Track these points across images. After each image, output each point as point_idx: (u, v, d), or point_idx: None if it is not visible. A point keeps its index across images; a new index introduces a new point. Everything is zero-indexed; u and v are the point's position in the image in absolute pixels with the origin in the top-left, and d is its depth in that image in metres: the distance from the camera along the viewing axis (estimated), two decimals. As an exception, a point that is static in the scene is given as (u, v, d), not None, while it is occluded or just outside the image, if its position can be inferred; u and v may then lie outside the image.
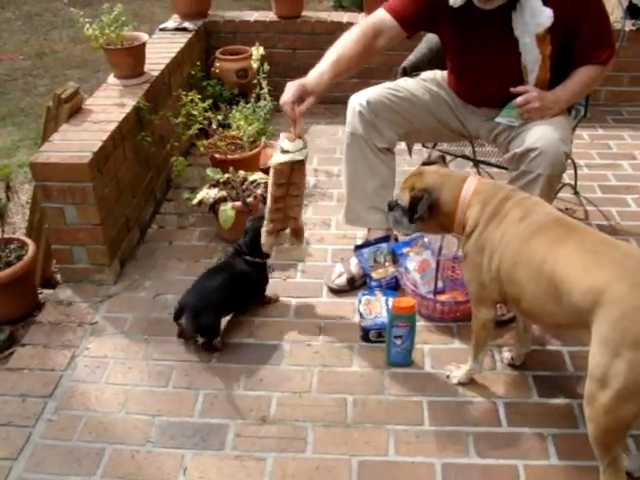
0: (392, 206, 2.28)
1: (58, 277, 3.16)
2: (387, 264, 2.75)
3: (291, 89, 2.40)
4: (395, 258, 2.74)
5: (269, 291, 2.72)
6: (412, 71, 2.80)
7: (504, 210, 2.02)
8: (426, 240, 2.70)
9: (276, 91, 3.49)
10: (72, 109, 2.94)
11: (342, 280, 2.77)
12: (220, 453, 2.11)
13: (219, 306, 2.48)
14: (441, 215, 2.15)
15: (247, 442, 2.14)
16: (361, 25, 2.57)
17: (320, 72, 2.47)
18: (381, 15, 2.55)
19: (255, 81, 3.52)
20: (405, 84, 2.68)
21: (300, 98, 2.40)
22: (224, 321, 2.54)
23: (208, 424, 2.21)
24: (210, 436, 2.16)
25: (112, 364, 2.45)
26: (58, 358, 2.49)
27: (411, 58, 2.90)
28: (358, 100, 2.65)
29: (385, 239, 2.78)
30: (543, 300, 1.90)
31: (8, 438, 2.18)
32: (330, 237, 3.11)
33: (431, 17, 2.52)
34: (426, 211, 2.11)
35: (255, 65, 3.46)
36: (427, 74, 2.75)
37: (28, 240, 2.88)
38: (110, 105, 3.05)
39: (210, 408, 2.27)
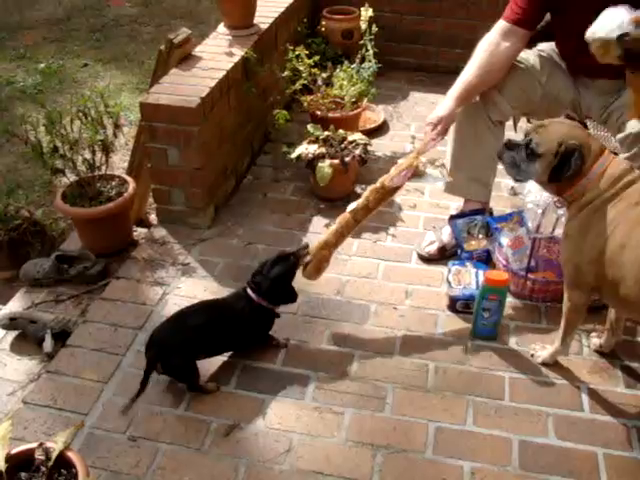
0: (511, 146, 2.16)
1: (151, 217, 3.26)
2: (480, 237, 2.71)
3: (429, 127, 2.52)
4: (489, 232, 2.70)
5: (280, 335, 2.38)
6: (529, 42, 2.71)
7: (624, 193, 1.95)
8: (524, 216, 2.64)
9: (381, 54, 3.48)
10: (182, 54, 2.99)
11: (433, 248, 2.75)
12: (300, 402, 2.15)
13: (194, 348, 2.16)
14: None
15: (327, 395, 2.17)
16: (489, 46, 2.52)
17: (450, 103, 2.52)
18: (506, 30, 2.50)
19: (361, 42, 3.49)
20: (523, 56, 2.60)
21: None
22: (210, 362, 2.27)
23: (290, 373, 2.25)
24: (291, 385, 2.20)
25: (201, 305, 2.52)
26: (150, 293, 2.58)
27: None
28: None
29: (480, 212, 2.74)
30: None
31: (100, 363, 2.29)
32: (423, 204, 3.09)
33: (549, 2, 2.45)
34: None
35: (363, 26, 3.43)
36: (544, 46, 2.66)
37: (129, 178, 2.97)
38: (219, 54, 3.09)
39: (293, 358, 2.31)
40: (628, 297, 1.94)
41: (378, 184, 2.36)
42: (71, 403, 2.15)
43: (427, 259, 2.75)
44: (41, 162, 2.80)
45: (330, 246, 2.35)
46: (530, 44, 2.67)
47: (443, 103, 2.53)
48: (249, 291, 2.25)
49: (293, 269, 2.27)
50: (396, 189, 2.38)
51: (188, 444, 2.02)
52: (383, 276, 2.67)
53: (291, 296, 2.30)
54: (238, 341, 2.29)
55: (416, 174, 2.37)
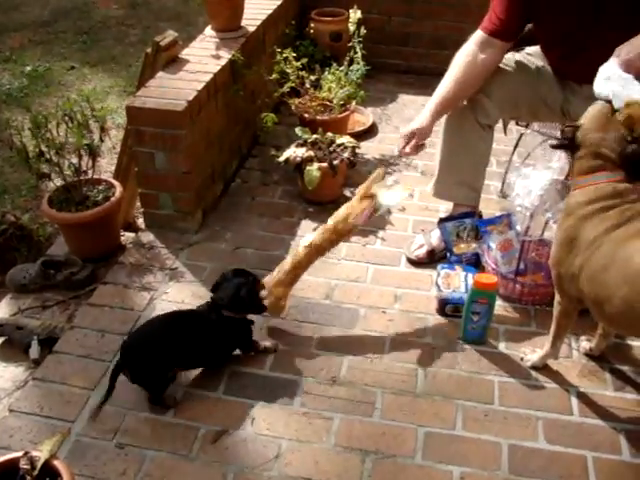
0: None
1: (139, 222, 3.24)
2: (469, 240, 2.70)
3: (402, 140, 2.53)
4: (478, 235, 2.69)
5: (267, 340, 2.37)
6: (516, 46, 2.71)
7: (604, 215, 1.92)
8: (513, 219, 2.64)
9: (369, 56, 3.47)
10: (169, 57, 2.97)
11: (422, 252, 2.74)
12: (288, 408, 2.14)
13: (165, 359, 2.09)
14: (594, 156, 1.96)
15: (315, 400, 2.16)
16: (466, 57, 2.49)
17: (426, 117, 2.51)
18: (484, 41, 2.47)
19: (350, 44, 3.48)
20: (511, 58, 2.60)
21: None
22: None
23: (278, 379, 2.24)
24: (279, 391, 2.19)
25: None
26: (137, 299, 2.56)
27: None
28: None
29: (470, 215, 2.74)
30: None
31: (87, 369, 2.26)
32: (412, 208, 3.08)
33: (528, 13, 2.43)
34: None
35: (352, 28, 3.42)
36: (532, 49, 2.66)
37: (116, 182, 2.95)
38: (206, 56, 3.07)
39: (281, 363, 2.29)
40: (614, 316, 1.92)
41: (331, 224, 2.34)
42: (57, 410, 2.13)
43: (416, 262, 2.74)
44: (27, 167, 2.78)
45: (285, 285, 2.34)
46: (518, 47, 2.67)
47: (419, 116, 2.53)
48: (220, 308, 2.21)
49: (253, 283, 2.23)
50: (352, 230, 2.36)
51: (176, 451, 2.00)
52: (372, 280, 2.66)
53: (257, 307, 2.26)
54: (217, 353, 2.25)
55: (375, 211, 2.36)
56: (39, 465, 1.67)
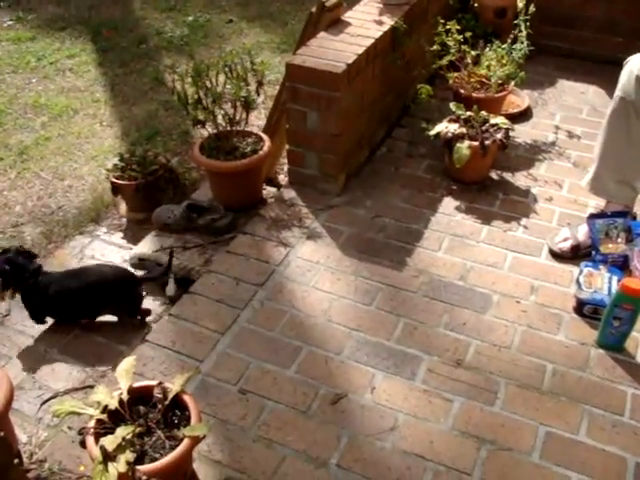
0: None
1: (280, 177, 3.29)
2: (619, 240, 2.55)
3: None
4: (630, 236, 2.54)
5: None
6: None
7: None
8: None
9: (532, 36, 3.31)
10: (333, 18, 2.97)
11: (566, 245, 2.62)
12: (410, 383, 2.12)
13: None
14: None
15: (438, 380, 2.13)
16: None
17: None
18: None
19: (515, 21, 3.34)
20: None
21: None
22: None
23: (403, 352, 2.22)
24: (403, 364, 2.18)
25: (322, 271, 2.53)
26: (273, 252, 2.61)
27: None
28: (638, 65, 2.42)
29: (623, 214, 2.58)
30: None
31: (219, 314, 2.34)
32: (560, 199, 2.94)
33: None
34: None
35: (520, 5, 3.27)
36: None
37: (265, 136, 3.00)
38: (368, 21, 3.04)
39: (408, 337, 2.28)
40: None
41: None
42: (188, 348, 2.22)
43: (558, 256, 2.62)
44: (185, 111, 2.88)
45: None
46: None
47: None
48: None
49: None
50: None
51: (295, 405, 2.04)
52: (510, 267, 2.58)
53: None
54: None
55: None
56: (170, 396, 1.76)
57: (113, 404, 1.75)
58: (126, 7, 5.65)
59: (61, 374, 2.30)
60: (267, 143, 2.94)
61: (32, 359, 2.37)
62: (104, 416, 1.72)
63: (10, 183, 3.50)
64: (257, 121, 3.68)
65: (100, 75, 4.57)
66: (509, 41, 3.30)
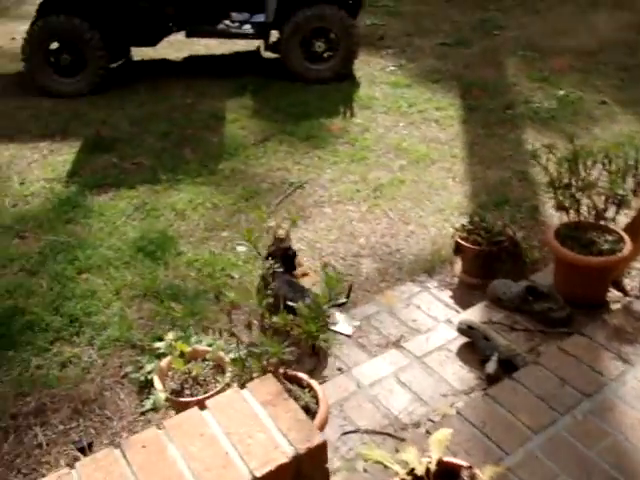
0: None
1: (625, 281, 3.05)
2: None
3: None
4: None
5: None
6: None
7: None
8: None
9: None
10: None
11: None
12: None
13: None
14: None
15: None
16: None
17: None
18: None
19: None
20: None
21: None
22: None
23: None
24: None
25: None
26: (610, 364, 2.41)
27: None
28: None
29: None
30: None
31: (537, 411, 2.23)
32: None
33: None
34: None
35: None
36: None
37: (626, 237, 2.80)
38: None
39: None
40: None
41: None
42: (497, 436, 2.14)
43: None
44: (552, 194, 2.81)
45: None
46: None
47: None
48: None
49: None
50: None
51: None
52: None
53: None
54: None
55: None
56: (479, 485, 1.70)
57: (420, 470, 1.74)
58: (499, 71, 5.77)
59: (365, 413, 2.37)
60: (627, 246, 2.74)
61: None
62: (409, 478, 1.72)
63: (360, 215, 3.74)
64: (618, 217, 3.46)
65: (463, 132, 4.70)
66: None
